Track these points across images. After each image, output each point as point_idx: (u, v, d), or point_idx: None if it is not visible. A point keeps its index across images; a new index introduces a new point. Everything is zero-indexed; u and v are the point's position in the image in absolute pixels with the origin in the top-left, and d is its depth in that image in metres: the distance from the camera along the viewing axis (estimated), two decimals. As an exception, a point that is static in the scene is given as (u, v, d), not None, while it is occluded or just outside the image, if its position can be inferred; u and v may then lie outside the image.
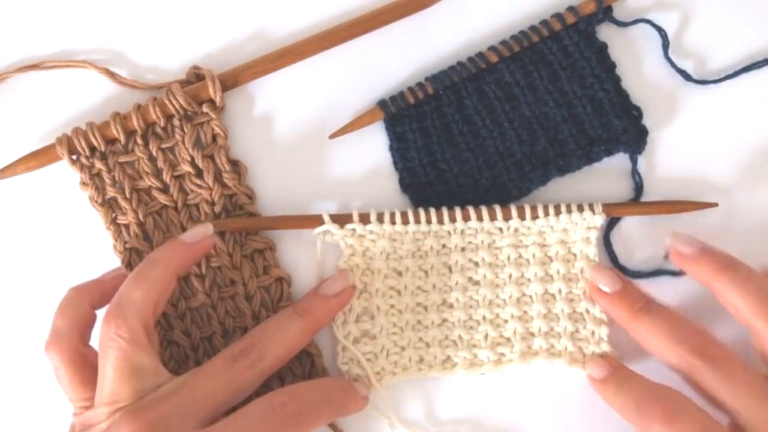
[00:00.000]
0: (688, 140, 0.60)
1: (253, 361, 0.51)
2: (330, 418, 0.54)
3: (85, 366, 0.52)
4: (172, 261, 0.53)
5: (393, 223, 0.57)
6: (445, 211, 0.57)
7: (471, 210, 0.57)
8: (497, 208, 0.57)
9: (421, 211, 0.57)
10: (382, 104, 0.59)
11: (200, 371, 0.51)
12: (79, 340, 0.53)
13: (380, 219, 0.57)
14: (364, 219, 0.57)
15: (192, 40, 0.61)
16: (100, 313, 0.53)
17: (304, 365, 0.57)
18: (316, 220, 0.57)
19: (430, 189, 0.59)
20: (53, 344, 0.52)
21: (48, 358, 0.52)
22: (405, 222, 0.57)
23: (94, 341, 0.53)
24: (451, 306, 0.57)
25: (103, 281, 0.56)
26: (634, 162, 0.59)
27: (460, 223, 0.57)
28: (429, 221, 0.57)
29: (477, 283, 0.57)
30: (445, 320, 0.57)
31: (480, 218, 0.57)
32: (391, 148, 0.60)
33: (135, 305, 0.50)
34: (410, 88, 0.59)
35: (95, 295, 0.54)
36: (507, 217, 0.57)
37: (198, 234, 0.54)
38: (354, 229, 0.57)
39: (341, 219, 0.57)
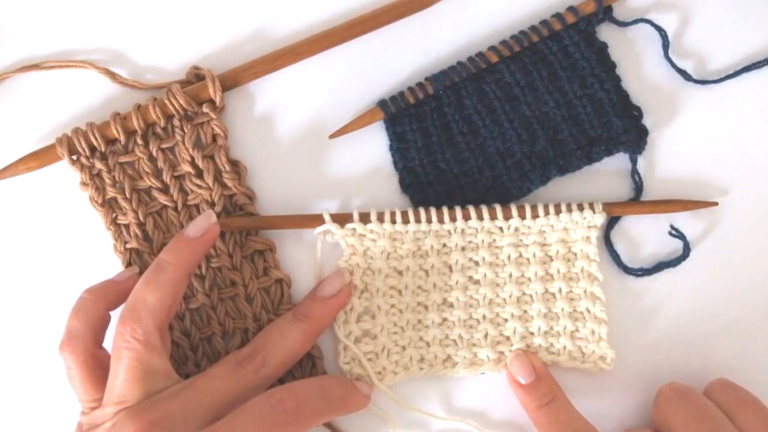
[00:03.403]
0: (688, 140, 0.60)
1: (256, 367, 0.52)
2: (330, 416, 0.53)
3: (97, 368, 0.52)
4: (183, 262, 0.52)
5: (393, 222, 0.57)
6: (445, 210, 0.57)
7: (471, 209, 0.57)
8: (498, 207, 0.57)
9: (422, 211, 0.57)
10: (382, 104, 0.59)
11: (205, 374, 0.51)
12: (93, 342, 0.53)
13: (380, 218, 0.57)
14: (365, 218, 0.57)
15: (192, 40, 0.61)
16: (114, 313, 0.54)
17: (305, 367, 0.57)
18: (316, 220, 0.57)
19: (430, 189, 0.59)
20: (67, 345, 0.52)
21: (61, 358, 0.52)
22: (405, 221, 0.57)
23: (107, 342, 0.53)
24: (451, 305, 0.57)
25: (118, 282, 0.55)
26: (634, 162, 0.59)
27: (460, 223, 0.57)
28: (429, 220, 0.57)
29: (477, 282, 0.57)
30: (445, 319, 0.57)
31: (480, 217, 0.57)
32: (391, 148, 0.60)
33: (149, 309, 0.50)
34: (410, 88, 0.59)
35: (110, 297, 0.54)
36: (507, 216, 0.57)
37: (202, 226, 0.54)
38: (354, 229, 0.57)
39: (342, 218, 0.57)
